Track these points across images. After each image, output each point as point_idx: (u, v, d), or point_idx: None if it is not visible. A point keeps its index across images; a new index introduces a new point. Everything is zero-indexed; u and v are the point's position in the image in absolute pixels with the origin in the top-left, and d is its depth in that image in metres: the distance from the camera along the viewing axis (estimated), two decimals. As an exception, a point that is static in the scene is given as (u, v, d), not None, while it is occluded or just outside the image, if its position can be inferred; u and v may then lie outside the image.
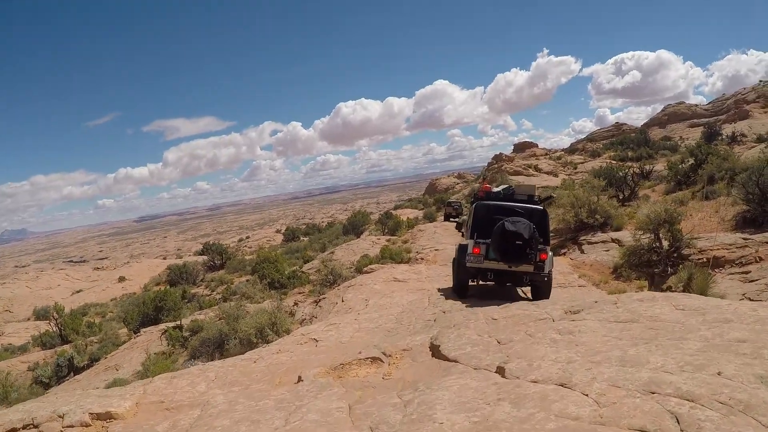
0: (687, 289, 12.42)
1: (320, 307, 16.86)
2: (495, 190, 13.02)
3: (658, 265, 15.65)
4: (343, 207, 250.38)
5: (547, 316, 7.69)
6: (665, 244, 16.09)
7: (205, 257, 55.36)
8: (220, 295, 34.49)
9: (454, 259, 13.17)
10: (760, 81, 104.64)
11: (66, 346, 27.66)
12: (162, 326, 23.54)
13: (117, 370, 20.06)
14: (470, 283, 12.44)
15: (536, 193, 13.01)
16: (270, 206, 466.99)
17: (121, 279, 58.44)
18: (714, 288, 12.37)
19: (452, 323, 8.29)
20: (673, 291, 12.91)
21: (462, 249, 12.12)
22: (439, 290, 14.36)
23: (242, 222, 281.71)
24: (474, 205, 12.30)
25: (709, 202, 21.77)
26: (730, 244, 15.75)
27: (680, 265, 15.19)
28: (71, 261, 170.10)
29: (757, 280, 13.44)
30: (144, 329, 24.93)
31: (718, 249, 15.67)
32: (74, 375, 22.68)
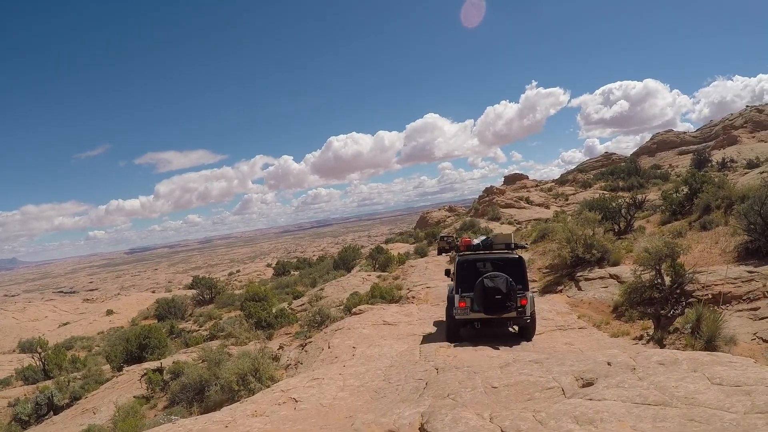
0: (696, 331, 11.62)
1: (306, 351, 15.94)
2: (475, 241, 14.14)
3: (660, 302, 14.83)
4: (335, 240, 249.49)
5: (556, 385, 6.77)
6: (667, 280, 15.29)
7: (194, 291, 54.77)
8: (207, 332, 33.69)
9: (447, 306, 13.67)
10: (747, 106, 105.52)
11: (48, 382, 27.04)
12: (145, 365, 22.84)
13: (94, 414, 19.35)
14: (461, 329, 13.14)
15: (513, 241, 14.08)
16: (261, 239, 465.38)
17: (109, 312, 57.40)
18: (724, 328, 11.54)
19: (446, 392, 7.32)
20: (681, 333, 12.12)
21: (450, 302, 13.00)
22: (430, 336, 13.60)
23: (233, 255, 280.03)
24: (457, 261, 13.28)
25: (707, 233, 21.04)
26: (735, 278, 14.94)
27: (684, 303, 14.40)
28: (61, 291, 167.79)
29: (768, 317, 12.65)
30: (127, 368, 24.35)
31: (723, 284, 14.86)
32: (53, 414, 22.08)
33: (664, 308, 14.02)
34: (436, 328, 15.24)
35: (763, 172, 29.67)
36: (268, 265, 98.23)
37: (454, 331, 13.05)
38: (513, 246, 13.78)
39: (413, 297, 23.51)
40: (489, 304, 12.00)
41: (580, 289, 19.62)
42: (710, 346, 11.01)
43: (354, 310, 20.02)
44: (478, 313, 12.27)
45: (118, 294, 78.52)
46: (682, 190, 30.26)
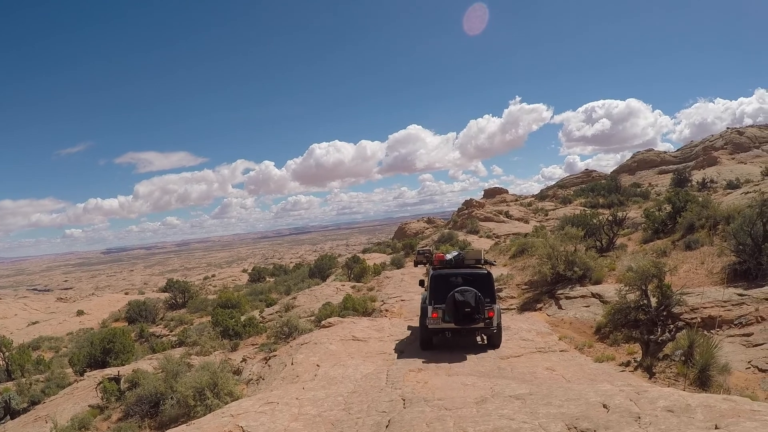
0: (688, 358, 10.75)
1: (269, 366, 14.88)
2: (448, 257, 15.04)
3: (646, 325, 13.99)
4: (313, 248, 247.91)
5: (543, 435, 5.77)
6: (653, 301, 14.46)
7: (167, 294, 53.61)
8: (176, 338, 32.39)
9: (420, 315, 14.55)
10: (728, 128, 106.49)
11: (10, 384, 25.78)
12: (107, 371, 21.78)
13: (46, 423, 18.11)
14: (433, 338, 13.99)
15: (482, 258, 15.20)
16: (239, 244, 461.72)
17: (80, 313, 55.50)
18: (718, 355, 10.67)
19: (410, 435, 6.29)
20: (672, 360, 11.25)
21: (424, 313, 13.98)
22: (401, 354, 12.72)
23: (210, 259, 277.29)
24: (431, 276, 14.23)
25: (692, 252, 20.35)
26: (725, 301, 14.13)
27: (672, 326, 13.58)
28: (35, 289, 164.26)
29: (762, 344, 11.79)
30: (89, 373, 23.22)
31: (712, 306, 14.05)
32: (10, 419, 20.92)
33: (651, 332, 13.13)
34: (407, 346, 14.32)
35: (747, 192, 29.12)
36: (244, 271, 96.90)
37: (427, 339, 13.93)
38: (483, 262, 15.03)
39: (387, 310, 22.54)
40: (459, 316, 12.97)
41: (560, 307, 18.75)
42: (704, 375, 10.16)
43: (324, 322, 18.98)
44: (449, 323, 13.21)
45: (93, 294, 76.62)
46: (665, 208, 29.77)
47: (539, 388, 7.87)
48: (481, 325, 13.30)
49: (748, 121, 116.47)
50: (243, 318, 28.28)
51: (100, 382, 19.95)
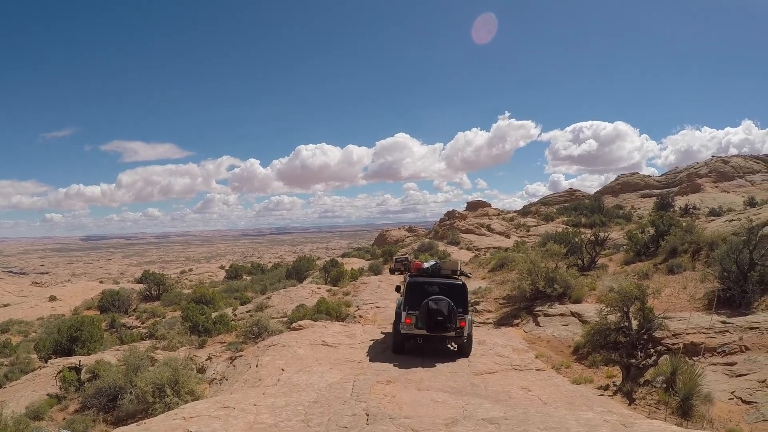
0: (671, 386, 10.28)
1: (234, 366, 14.26)
2: (425, 266, 15.36)
3: (626, 347, 13.54)
4: (292, 249, 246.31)
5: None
6: (635, 324, 14.03)
7: (142, 286, 52.64)
8: (147, 330, 31.92)
9: (394, 320, 14.75)
10: (713, 156, 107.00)
11: None
12: (71, 359, 21.12)
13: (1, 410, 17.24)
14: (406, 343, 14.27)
15: (459, 268, 15.56)
16: (219, 240, 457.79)
17: (53, 298, 54.53)
18: (701, 384, 10.20)
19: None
20: (653, 386, 10.77)
21: (398, 318, 14.17)
22: (371, 364, 12.20)
23: (189, 253, 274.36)
24: (407, 282, 14.63)
25: (674, 277, 20.04)
26: (707, 328, 13.75)
27: (652, 350, 13.15)
28: (11, 271, 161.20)
29: (746, 374, 11.38)
30: (53, 360, 22.68)
31: (695, 333, 13.65)
32: None
33: (632, 355, 12.64)
34: (378, 354, 13.77)
35: (731, 220, 28.93)
36: (222, 267, 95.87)
37: (399, 344, 14.26)
38: (459, 273, 15.33)
39: (360, 316, 21.97)
40: (432, 323, 13.26)
41: (538, 324, 18.27)
42: (686, 404, 9.68)
43: (294, 325, 18.38)
44: (422, 330, 13.46)
45: (68, 280, 75.15)
46: (648, 230, 29.60)
47: (515, 410, 7.35)
48: (452, 334, 13.61)
49: (733, 151, 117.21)
50: (214, 315, 27.56)
51: (60, 371, 19.29)
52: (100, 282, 74.66)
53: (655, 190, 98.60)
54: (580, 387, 11.65)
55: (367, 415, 7.57)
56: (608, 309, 14.48)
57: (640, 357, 11.76)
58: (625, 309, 14.15)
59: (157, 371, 14.15)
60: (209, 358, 17.38)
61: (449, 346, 15.13)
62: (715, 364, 12.06)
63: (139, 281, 61.62)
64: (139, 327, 35.85)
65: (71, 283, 67.34)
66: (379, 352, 14.32)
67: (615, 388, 11.38)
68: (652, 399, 10.53)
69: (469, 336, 14.17)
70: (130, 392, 14.36)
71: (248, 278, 65.19)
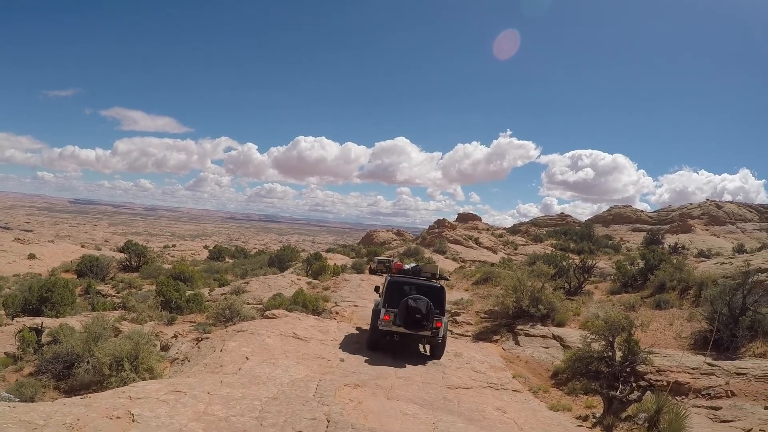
0: (653, 425, 9.71)
1: (198, 348, 13.57)
2: (406, 267, 15.83)
3: (608, 378, 13.00)
4: (279, 238, 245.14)
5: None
6: (618, 355, 13.49)
7: (123, 255, 52.78)
8: (120, 299, 31.14)
9: (372, 317, 14.91)
10: (708, 199, 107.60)
11: None
12: (37, 320, 20.84)
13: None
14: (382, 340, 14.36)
15: (438, 272, 15.85)
16: (207, 220, 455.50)
17: (32, 256, 53.89)
18: (687, 427, 9.60)
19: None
20: (635, 423, 10.18)
21: (376, 314, 14.43)
22: (340, 363, 11.59)
23: (175, 229, 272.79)
24: (388, 280, 14.87)
25: (661, 312, 19.56)
26: (693, 368, 13.20)
27: (634, 384, 12.60)
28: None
29: (731, 421, 10.80)
30: (19, 319, 22.53)
31: (679, 372, 13.10)
32: None
33: (612, 386, 12.06)
34: (350, 355, 13.12)
35: (722, 263, 28.52)
36: (206, 247, 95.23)
37: (375, 339, 14.44)
38: (438, 276, 15.58)
39: (337, 313, 21.35)
40: (410, 321, 13.56)
41: (518, 343, 17.69)
42: (669, 447, 9.10)
43: (267, 313, 17.73)
44: (399, 327, 13.74)
45: (52, 241, 74.14)
46: (638, 263, 29.26)
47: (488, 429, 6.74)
48: (429, 333, 13.80)
49: (727, 197, 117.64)
50: (188, 293, 26.83)
51: (20, 331, 18.62)
52: (82, 246, 73.79)
53: (646, 225, 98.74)
54: (557, 414, 11.02)
55: (328, 421, 6.92)
56: (593, 336, 13.95)
57: (624, 390, 11.16)
58: (610, 338, 13.63)
59: (118, 343, 13.52)
60: (175, 336, 16.72)
61: (421, 349, 15.55)
62: (699, 407, 11.48)
63: (120, 250, 61.84)
64: (114, 296, 35.41)
65: (53, 244, 66.50)
66: (352, 352, 13.67)
67: (594, 420, 10.75)
68: None
69: (444, 338, 14.40)
70: (87, 362, 13.73)
71: (230, 261, 65.00)
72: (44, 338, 18.04)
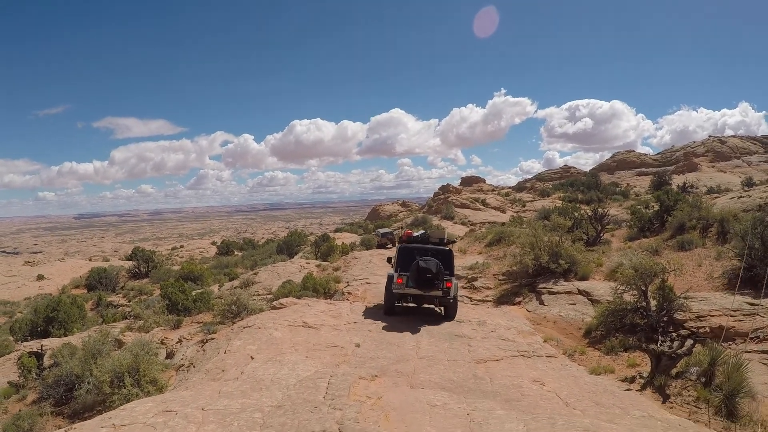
0: (710, 379, 8.76)
1: (204, 351, 12.65)
2: (415, 234, 16.31)
3: (645, 331, 12.04)
4: (286, 225, 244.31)
5: None
6: (653, 304, 12.52)
7: (131, 263, 52.02)
8: (131, 308, 30.05)
9: (386, 283, 15.53)
10: (710, 136, 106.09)
11: None
12: (45, 342, 20.04)
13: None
14: (397, 304, 15.31)
15: (446, 237, 16.31)
16: (212, 217, 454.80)
17: (40, 277, 53.35)
18: (750, 377, 8.58)
19: None
20: (687, 379, 9.20)
21: (390, 279, 15.17)
22: (356, 351, 10.68)
23: (183, 230, 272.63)
24: (399, 247, 15.76)
25: (686, 254, 18.55)
26: (734, 310, 12.22)
27: (674, 334, 11.65)
28: (4, 251, 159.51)
29: (788, 364, 9.83)
30: (26, 343, 21.76)
31: (720, 315, 12.13)
32: None
33: (654, 340, 11.06)
34: (365, 338, 12.12)
35: (740, 196, 27.45)
36: (213, 243, 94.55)
37: (391, 304, 15.24)
38: (446, 241, 16.04)
39: (350, 293, 20.39)
40: (421, 281, 14.12)
41: (542, 303, 16.73)
42: (730, 402, 8.10)
43: (275, 303, 16.79)
44: (412, 289, 14.33)
45: (62, 259, 73.61)
46: (653, 206, 28.27)
47: (537, 421, 5.75)
48: (440, 293, 14.29)
49: (729, 133, 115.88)
50: (195, 292, 25.85)
51: (20, 357, 17.76)
52: (89, 260, 73.30)
53: (651, 169, 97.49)
54: (601, 379, 9.97)
55: (339, 432, 5.95)
56: (624, 287, 12.98)
57: (665, 342, 10.11)
58: (642, 287, 12.65)
59: (117, 358, 12.58)
60: (180, 340, 15.77)
61: (436, 309, 16.00)
62: (749, 352, 10.48)
63: (128, 258, 61.03)
64: (125, 305, 34.67)
65: (60, 262, 65.93)
66: (367, 333, 12.67)
67: (642, 381, 9.74)
68: (689, 395, 8.85)
69: (455, 298, 14.96)
70: (88, 382, 12.82)
71: (239, 254, 64.17)
72: (46, 361, 17.19)
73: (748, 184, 52.40)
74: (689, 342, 9.61)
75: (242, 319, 16.14)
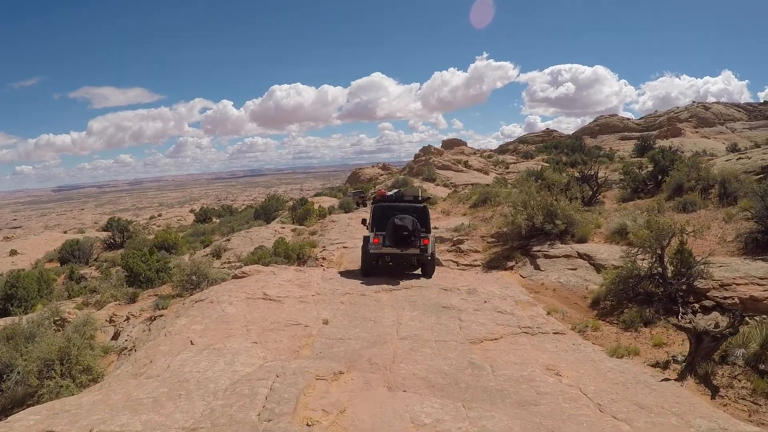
0: (760, 360, 7.06)
1: (149, 330, 10.79)
2: (388, 193, 16.28)
3: (663, 301, 10.36)
4: (266, 191, 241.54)
5: None
6: (670, 270, 10.84)
7: (107, 234, 50.89)
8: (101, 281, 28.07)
9: (363, 245, 15.48)
10: (694, 102, 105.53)
11: None
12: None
13: None
14: (373, 263, 15.04)
15: (420, 195, 16.66)
16: (192, 185, 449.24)
17: (13, 252, 50.98)
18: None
19: None
20: (734, 365, 7.49)
21: (366, 240, 15.14)
22: (321, 331, 8.84)
23: (163, 199, 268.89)
24: (373, 207, 15.57)
25: (688, 215, 16.89)
26: (761, 278, 10.56)
27: (696, 305, 10.02)
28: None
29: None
30: None
31: (746, 284, 10.47)
32: None
33: (673, 311, 9.32)
34: (335, 313, 10.22)
35: (739, 158, 25.99)
36: (192, 211, 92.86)
37: (369, 265, 15.07)
38: (420, 198, 16.20)
39: (324, 258, 18.61)
40: (398, 239, 14.17)
41: (538, 268, 14.93)
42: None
43: (237, 272, 14.97)
44: (389, 248, 14.33)
45: (43, 232, 71.35)
46: (647, 166, 26.98)
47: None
48: (417, 251, 14.29)
49: (711, 100, 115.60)
50: (157, 263, 23.69)
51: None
52: (64, 232, 71.16)
53: (634, 133, 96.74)
54: (626, 364, 8.15)
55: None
56: (637, 250, 11.27)
57: (713, 323, 8.36)
58: (659, 251, 10.94)
59: (47, 342, 10.58)
60: (127, 318, 13.71)
61: (415, 273, 15.49)
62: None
63: (104, 229, 59.30)
64: (97, 278, 32.76)
65: (34, 236, 63.71)
66: (338, 306, 10.78)
67: (678, 365, 7.86)
68: (741, 387, 7.03)
69: (433, 255, 14.92)
70: (19, 372, 10.87)
71: (217, 221, 62.82)
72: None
73: (733, 149, 51.25)
74: (735, 317, 7.74)
75: (202, 290, 14.30)
